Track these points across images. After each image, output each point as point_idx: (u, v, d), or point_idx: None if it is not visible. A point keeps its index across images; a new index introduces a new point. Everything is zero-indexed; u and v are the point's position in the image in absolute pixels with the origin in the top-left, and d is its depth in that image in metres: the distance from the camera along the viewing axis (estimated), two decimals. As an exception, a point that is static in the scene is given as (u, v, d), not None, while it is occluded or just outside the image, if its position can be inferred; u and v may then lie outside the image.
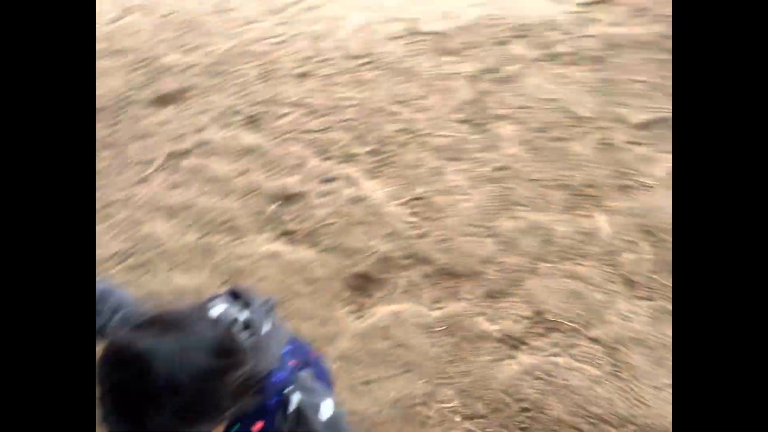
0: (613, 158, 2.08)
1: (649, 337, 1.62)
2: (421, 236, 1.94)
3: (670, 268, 1.76)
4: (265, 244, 1.98)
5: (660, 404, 1.49)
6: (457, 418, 1.50)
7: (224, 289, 0.78)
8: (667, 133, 2.17)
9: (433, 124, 2.35)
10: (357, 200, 2.09)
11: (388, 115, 2.43)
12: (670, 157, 2.08)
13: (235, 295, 0.77)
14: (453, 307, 1.74)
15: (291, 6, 3.16)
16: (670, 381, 1.53)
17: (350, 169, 2.22)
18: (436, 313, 1.73)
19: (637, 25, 2.56)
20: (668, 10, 2.59)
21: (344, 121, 2.43)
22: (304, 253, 1.94)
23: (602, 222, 1.90)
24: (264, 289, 1.89)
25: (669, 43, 2.45)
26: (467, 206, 2.02)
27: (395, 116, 2.42)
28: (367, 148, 2.30)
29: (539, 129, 2.24)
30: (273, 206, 2.11)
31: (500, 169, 2.13)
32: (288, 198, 2.14)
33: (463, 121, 2.34)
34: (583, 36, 2.56)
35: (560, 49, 2.54)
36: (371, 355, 1.65)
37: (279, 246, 1.97)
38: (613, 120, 2.21)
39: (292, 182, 2.19)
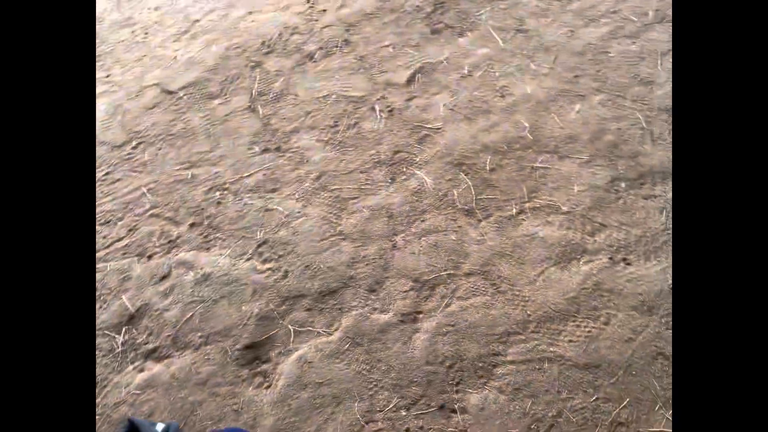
0: (401, 119, 2.29)
1: (504, 246, 1.86)
2: (284, 276, 1.91)
3: (487, 183, 2.03)
4: (133, 377, 1.75)
5: (540, 293, 1.74)
6: (403, 412, 1.55)
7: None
8: (432, 76, 2.45)
9: (236, 168, 2.30)
10: (203, 281, 1.96)
11: (187, 182, 2.30)
12: (443, 95, 2.36)
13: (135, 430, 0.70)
14: (346, 320, 1.76)
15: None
16: (538, 270, 1.78)
17: (180, 254, 2.06)
18: (336, 336, 1.74)
19: (356, 3, 2.81)
20: (375, -22, 2.89)
21: (146, 212, 2.23)
22: (179, 362, 1.77)
23: (422, 176, 2.09)
24: (162, 417, 1.69)
25: (392, 4, 2.75)
26: (309, 225, 2.04)
27: (196, 180, 2.30)
28: (185, 225, 2.15)
29: (331, 126, 2.34)
30: (121, 338, 1.87)
31: (318, 177, 2.19)
32: (132, 319, 1.91)
33: (264, 151, 2.33)
34: (323, 28, 2.72)
35: (309, 48, 2.67)
36: (299, 412, 1.60)
37: (149, 371, 1.76)
38: (384, 88, 2.41)
39: (126, 303, 1.95)
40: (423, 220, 1.95)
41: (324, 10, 2.81)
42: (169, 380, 1.74)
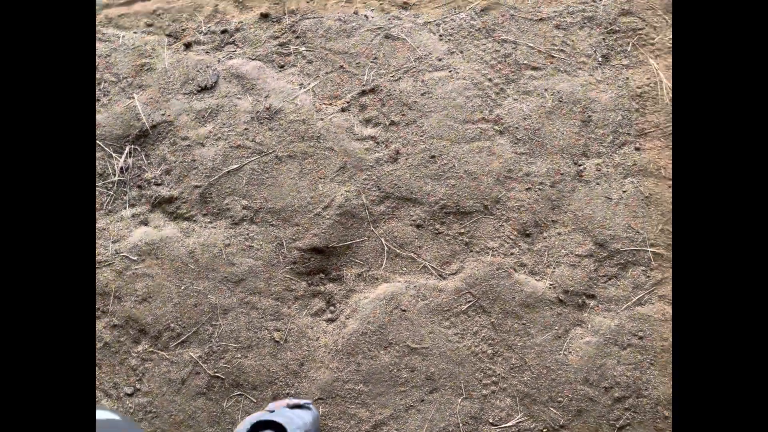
0: (650, -43, 1.36)
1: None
2: (393, 158, 1.22)
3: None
4: (129, 229, 1.16)
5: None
6: (536, 449, 1.03)
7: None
8: None
9: (353, -55, 1.41)
10: (267, 118, 1.25)
11: (272, -60, 1.42)
12: None
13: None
14: (473, 265, 1.14)
15: None
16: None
17: (237, 59, 1.31)
18: (452, 283, 1.13)
19: None
20: None
21: (197, -34, 1.40)
22: (205, 234, 1.17)
23: (658, 71, 1.27)
24: (164, 321, 1.16)
25: None
26: (453, 87, 1.27)
27: (285, -59, 1.42)
28: (255, 14, 1.36)
29: (529, -76, 1.40)
30: (121, 159, 1.22)
31: (484, 10, 1.34)
32: (143, 137, 1.24)
33: None
34: None
35: None
36: (371, 380, 1.07)
37: (156, 228, 1.17)
38: None
39: (138, 107, 1.26)
40: (638, 147, 1.21)
41: None
42: (184, 256, 1.15)
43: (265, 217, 1.17)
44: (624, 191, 1.18)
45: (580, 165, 1.20)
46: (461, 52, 1.31)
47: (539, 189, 1.19)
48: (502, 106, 1.26)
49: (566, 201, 1.18)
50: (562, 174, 1.20)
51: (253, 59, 1.31)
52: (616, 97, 1.25)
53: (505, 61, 1.30)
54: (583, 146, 1.22)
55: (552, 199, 1.19)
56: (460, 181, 1.20)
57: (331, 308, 1.14)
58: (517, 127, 1.24)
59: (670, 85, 1.26)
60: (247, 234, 1.17)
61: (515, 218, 1.17)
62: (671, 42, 1.29)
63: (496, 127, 1.25)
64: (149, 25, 1.36)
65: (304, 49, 1.33)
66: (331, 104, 1.28)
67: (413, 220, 1.18)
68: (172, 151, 1.23)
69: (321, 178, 1.21)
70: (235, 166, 1.21)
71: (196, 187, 1.20)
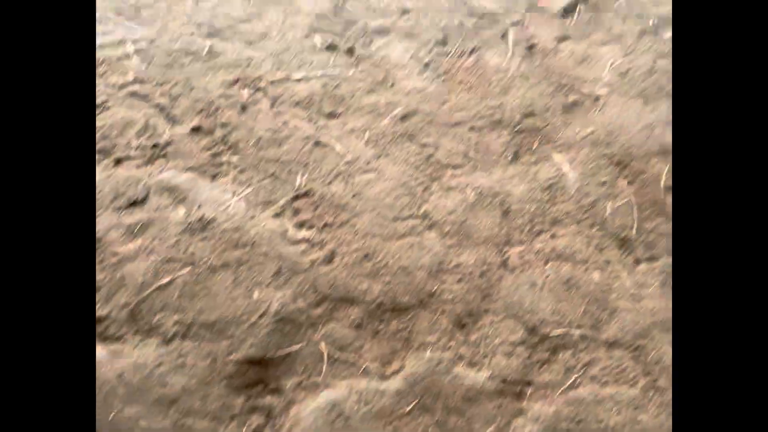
0: (544, 66, 1.57)
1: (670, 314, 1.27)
2: (329, 259, 1.25)
3: (659, 206, 1.39)
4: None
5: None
6: None
7: None
8: (597, 16, 1.70)
9: (281, 61, 1.53)
10: (199, 228, 1.26)
11: (203, 59, 1.52)
12: (611, 49, 1.63)
13: None
14: (414, 362, 1.15)
15: None
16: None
17: (168, 172, 1.34)
18: (395, 383, 1.13)
19: None
20: None
21: (126, 86, 1.45)
22: (136, 354, 1.11)
23: (562, 165, 1.42)
24: None
25: None
26: (380, 188, 1.35)
27: (216, 59, 1.52)
28: (186, 128, 1.41)
29: (437, 42, 1.59)
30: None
31: (405, 116, 1.47)
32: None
33: (328, 48, 1.56)
34: None
35: None
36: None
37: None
38: (527, 9, 1.66)
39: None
40: (554, 235, 1.32)
41: None
42: (113, 380, 1.09)
43: (199, 332, 1.15)
44: (546, 276, 1.27)
45: (504, 254, 1.29)
46: (387, 155, 1.41)
47: (469, 279, 1.26)
48: (428, 202, 1.35)
49: (495, 289, 1.25)
50: (489, 263, 1.28)
51: (185, 171, 1.34)
52: (528, 189, 1.38)
53: (428, 161, 1.41)
54: (506, 236, 1.31)
55: (482, 288, 1.25)
56: (394, 277, 1.24)
57: (271, 423, 1.10)
58: (444, 221, 1.32)
59: (575, 175, 1.41)
60: (180, 351, 1.13)
61: (450, 310, 1.22)
62: (575, 137, 1.45)
63: (424, 223, 1.32)
64: (77, 143, 1.37)
65: (236, 158, 1.38)
66: (264, 210, 1.31)
67: (351, 321, 1.19)
68: (101, 269, 1.20)
69: (256, 285, 1.21)
70: (167, 280, 1.19)
71: (126, 305, 1.16)
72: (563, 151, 1.44)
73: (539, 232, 1.33)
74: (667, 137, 1.49)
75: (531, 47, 1.60)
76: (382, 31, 1.61)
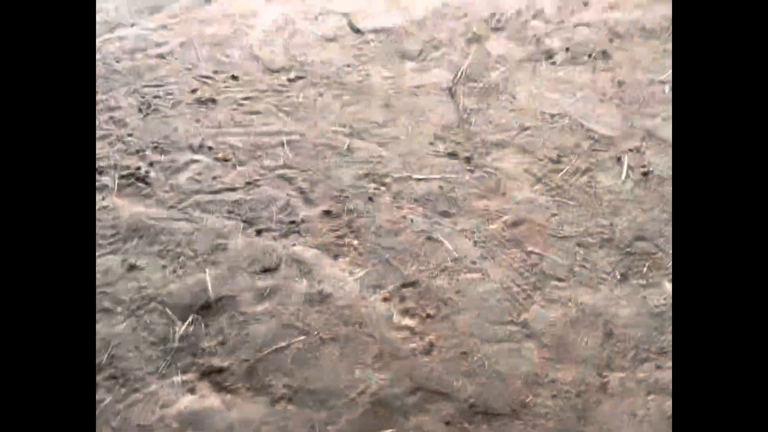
0: (659, 192, 1.60)
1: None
2: (427, 350, 1.33)
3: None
4: (177, 395, 1.25)
5: None
6: None
7: None
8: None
9: (406, 162, 1.73)
10: (318, 300, 1.42)
11: (342, 154, 1.76)
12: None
13: None
14: (501, 472, 1.15)
15: (171, 2, 2.33)
16: None
17: (299, 247, 1.53)
18: (479, 490, 1.13)
19: (638, 8, 2.12)
20: (669, -13, 2.18)
21: (277, 168, 1.72)
22: (246, 408, 1.24)
23: (671, 291, 1.40)
24: None
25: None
26: (483, 289, 1.43)
27: (352, 154, 1.76)
28: (319, 209, 1.62)
29: (553, 160, 1.70)
30: (182, 327, 1.37)
31: (514, 224, 1.56)
32: (206, 308, 1.41)
33: (449, 155, 1.74)
34: (578, 25, 2.07)
35: (551, 43, 2.03)
36: None
37: (201, 398, 1.25)
38: (643, 138, 1.73)
39: (207, 281, 1.46)
40: (659, 366, 1.28)
41: (587, 4, 2.14)
42: (223, 430, 1.22)
43: (303, 398, 1.25)
44: (648, 409, 1.22)
45: (604, 377, 1.27)
46: (493, 258, 1.50)
47: (565, 397, 1.25)
48: (529, 311, 1.39)
49: (592, 413, 1.23)
50: (587, 384, 1.27)
51: (313, 247, 1.53)
52: (635, 314, 1.37)
53: (532, 270, 1.47)
54: (607, 358, 1.30)
55: (578, 409, 1.23)
56: (489, 380, 1.28)
57: (355, 503, 1.14)
58: (543, 333, 1.35)
59: (686, 307, 1.38)
60: (285, 413, 1.24)
61: (542, 425, 1.21)
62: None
63: (523, 331, 1.36)
64: (230, 212, 1.63)
65: (357, 242, 1.55)
66: (374, 293, 1.44)
67: (442, 416, 1.23)
68: (230, 324, 1.38)
69: (359, 363, 1.31)
70: (284, 344, 1.34)
71: (245, 360, 1.31)
72: (675, 280, 1.43)
73: (644, 360, 1.30)
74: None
75: (646, 173, 1.65)
76: (500, 144, 1.76)
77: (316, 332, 1.36)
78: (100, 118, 1.89)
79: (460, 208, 1.62)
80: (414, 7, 2.24)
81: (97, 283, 1.46)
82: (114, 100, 1.95)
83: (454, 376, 1.29)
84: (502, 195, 1.64)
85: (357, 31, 2.13)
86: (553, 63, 1.97)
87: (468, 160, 1.74)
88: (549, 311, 1.39)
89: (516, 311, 1.40)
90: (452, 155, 1.75)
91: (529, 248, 1.52)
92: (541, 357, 1.31)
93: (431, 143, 1.78)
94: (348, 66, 2.03)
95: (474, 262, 1.50)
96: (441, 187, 1.67)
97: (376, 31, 2.15)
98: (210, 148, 1.80)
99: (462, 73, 1.98)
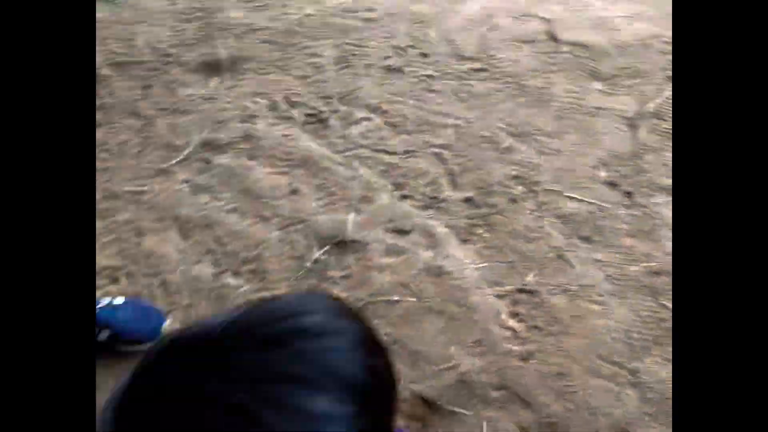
0: None
1: None
2: (524, 356, 1.35)
3: None
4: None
5: None
6: None
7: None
8: None
9: (559, 177, 1.72)
10: (436, 272, 1.51)
11: (500, 151, 1.81)
12: None
13: None
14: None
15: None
16: None
17: (434, 221, 1.63)
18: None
19: None
20: None
21: (436, 146, 1.83)
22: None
23: None
24: None
25: None
26: (603, 324, 1.39)
27: (509, 154, 1.80)
28: (463, 194, 1.70)
29: (724, 221, 1.56)
30: (318, 252, 1.56)
31: (656, 273, 1.48)
32: (339, 245, 1.58)
33: (609, 184, 1.69)
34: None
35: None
36: None
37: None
38: None
39: (349, 223, 1.63)
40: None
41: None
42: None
43: (398, 351, 1.36)
44: None
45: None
46: (621, 298, 1.45)
47: (653, 458, 1.19)
48: (642, 362, 1.33)
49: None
50: (682, 456, 1.18)
51: (446, 227, 1.62)
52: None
53: (659, 323, 1.39)
54: None
55: (663, 476, 1.16)
56: (577, 409, 1.26)
57: (414, 458, 1.23)
58: (649, 387, 1.28)
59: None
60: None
61: (618, 474, 1.17)
62: None
63: (630, 379, 1.31)
64: (384, 171, 1.78)
65: (488, 235, 1.60)
66: (490, 287, 1.49)
67: (519, 421, 1.25)
68: (357, 264, 1.54)
69: (457, 342, 1.38)
70: (396, 298, 1.46)
71: (359, 299, 1.46)
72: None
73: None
74: None
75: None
76: (667, 189, 1.66)
77: (427, 300, 1.46)
78: (305, 62, 2.17)
79: (604, 239, 1.58)
80: (622, 31, 2.16)
81: (264, 196, 1.72)
82: (320, 49, 2.22)
83: (543, 390, 1.29)
84: (652, 240, 1.56)
85: (554, 39, 2.13)
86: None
87: (628, 194, 1.67)
88: (661, 368, 1.31)
89: (629, 356, 1.34)
90: (612, 185, 1.70)
91: (663, 301, 1.43)
92: (638, 409, 1.25)
93: (594, 167, 1.74)
94: (535, 70, 2.05)
95: (600, 295, 1.46)
96: (590, 213, 1.63)
97: (573, 44, 2.12)
98: (384, 111, 1.97)
99: (651, 107, 1.88)
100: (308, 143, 1.87)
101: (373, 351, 0.49)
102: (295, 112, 1.99)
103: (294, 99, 2.04)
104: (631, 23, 2.20)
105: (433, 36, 2.24)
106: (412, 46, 2.20)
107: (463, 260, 1.54)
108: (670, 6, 2.23)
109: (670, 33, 2.13)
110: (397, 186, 1.75)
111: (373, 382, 0.45)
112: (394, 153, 1.84)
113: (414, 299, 1.46)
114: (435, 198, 1.70)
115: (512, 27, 2.24)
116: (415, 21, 2.31)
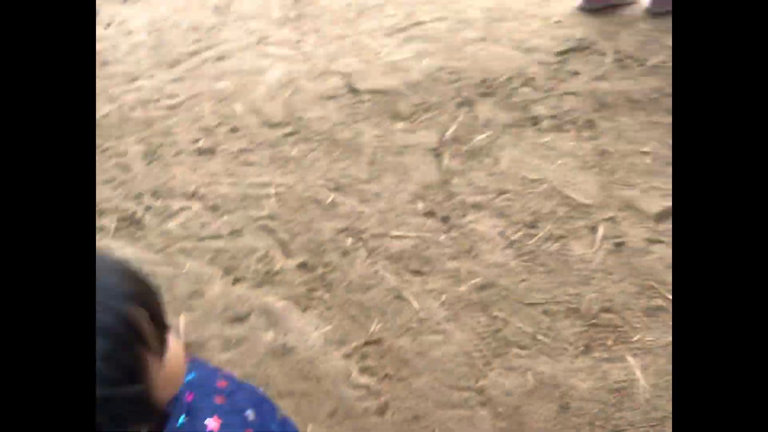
0: (630, 265, 1.61)
1: None
2: (380, 411, 1.34)
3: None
4: None
5: None
6: None
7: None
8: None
9: (384, 219, 1.79)
10: (281, 353, 1.46)
11: (324, 207, 1.84)
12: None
13: None
14: None
15: (189, 57, 2.54)
16: None
17: (271, 297, 1.59)
18: None
19: (626, 79, 2.18)
20: (660, 58, 2.23)
21: (262, 219, 1.82)
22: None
23: (635, 369, 1.39)
24: None
25: (668, 102, 2.08)
26: (443, 351, 1.45)
27: (334, 209, 1.84)
28: (296, 261, 1.69)
29: (526, 223, 1.74)
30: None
31: (482, 287, 1.59)
32: (176, 352, 1.47)
33: (427, 214, 1.80)
34: (564, 93, 2.14)
35: (538, 110, 2.10)
36: None
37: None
38: (621, 209, 1.75)
39: (181, 324, 1.53)
40: (614, 445, 1.26)
41: (577, 73, 2.22)
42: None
43: (253, 450, 1.28)
44: (597, 491, 1.19)
45: (555, 452, 1.26)
46: (457, 321, 1.52)
47: (513, 470, 1.24)
48: (487, 378, 1.40)
49: (539, 489, 1.21)
50: (537, 458, 1.25)
51: (284, 299, 1.59)
52: (593, 388, 1.36)
53: (495, 335, 1.48)
54: (560, 432, 1.29)
55: (526, 484, 1.21)
56: (438, 446, 1.28)
57: None
58: (498, 401, 1.35)
59: (647, 385, 1.36)
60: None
61: (487, 498, 1.20)
62: (648, 340, 1.43)
63: (479, 398, 1.36)
64: (212, 259, 1.72)
65: (327, 296, 1.60)
66: (337, 349, 1.48)
67: (387, 480, 1.24)
68: (195, 369, 1.43)
69: (312, 420, 1.33)
70: (241, 394, 1.38)
71: (203, 407, 1.36)
72: (638, 355, 1.42)
73: (599, 438, 1.28)
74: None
75: (619, 244, 1.66)
76: (477, 206, 1.81)
77: (275, 384, 1.40)
78: (110, 164, 2.05)
79: (432, 268, 1.66)
80: (411, 71, 2.37)
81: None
82: (124, 147, 2.11)
83: (403, 439, 1.29)
84: (473, 257, 1.68)
85: (354, 90, 2.26)
86: (539, 129, 2.03)
87: (445, 220, 1.79)
88: (506, 379, 1.39)
89: (474, 376, 1.40)
90: (430, 214, 1.81)
91: (495, 313, 1.54)
92: (493, 426, 1.31)
93: (411, 201, 1.85)
94: (342, 123, 2.15)
95: (439, 323, 1.52)
96: (415, 246, 1.72)
97: (372, 91, 2.27)
98: (202, 196, 1.91)
99: (448, 135, 2.06)
100: (122, 251, 1.74)
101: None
102: (105, 221, 1.85)
103: (102, 206, 1.89)
104: (419, 61, 2.42)
105: (240, 109, 2.25)
106: (220, 124, 2.19)
107: (305, 329, 1.52)
108: (451, 40, 2.51)
109: (454, 64, 2.37)
110: (228, 270, 1.69)
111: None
112: (219, 237, 1.78)
113: (263, 388, 1.39)
114: (268, 272, 1.67)
115: (314, 87, 2.33)
116: (220, 98, 2.31)
